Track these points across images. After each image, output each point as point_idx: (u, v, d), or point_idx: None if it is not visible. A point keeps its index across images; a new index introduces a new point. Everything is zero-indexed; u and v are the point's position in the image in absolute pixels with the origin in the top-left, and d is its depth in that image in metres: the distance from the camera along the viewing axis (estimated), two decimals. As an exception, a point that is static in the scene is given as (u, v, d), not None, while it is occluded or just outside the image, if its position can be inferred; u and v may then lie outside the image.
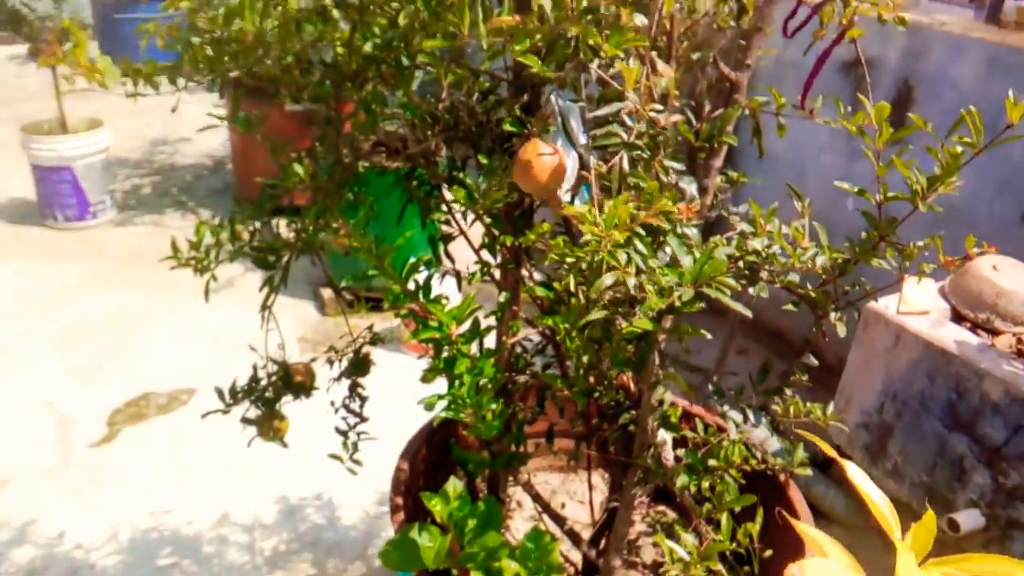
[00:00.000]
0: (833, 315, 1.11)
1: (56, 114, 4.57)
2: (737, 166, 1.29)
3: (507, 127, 1.27)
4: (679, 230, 1.08)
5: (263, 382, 1.79)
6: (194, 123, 1.75)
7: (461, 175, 1.48)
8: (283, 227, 1.65)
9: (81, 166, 4.56)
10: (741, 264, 1.05)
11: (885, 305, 2.20)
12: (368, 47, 1.27)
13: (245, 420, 1.78)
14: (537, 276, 1.60)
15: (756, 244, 1.04)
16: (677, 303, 0.93)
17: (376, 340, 1.90)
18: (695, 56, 1.27)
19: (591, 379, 1.42)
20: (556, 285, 1.33)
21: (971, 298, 2.17)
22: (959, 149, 0.97)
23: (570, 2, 0.84)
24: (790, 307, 1.15)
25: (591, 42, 0.89)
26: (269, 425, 1.79)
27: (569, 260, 1.02)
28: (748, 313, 0.92)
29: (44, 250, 4.53)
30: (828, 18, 1.17)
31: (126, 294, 4.04)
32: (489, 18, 0.95)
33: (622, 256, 0.97)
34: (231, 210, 1.61)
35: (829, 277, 1.10)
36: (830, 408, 1.33)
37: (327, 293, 4.07)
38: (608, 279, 0.97)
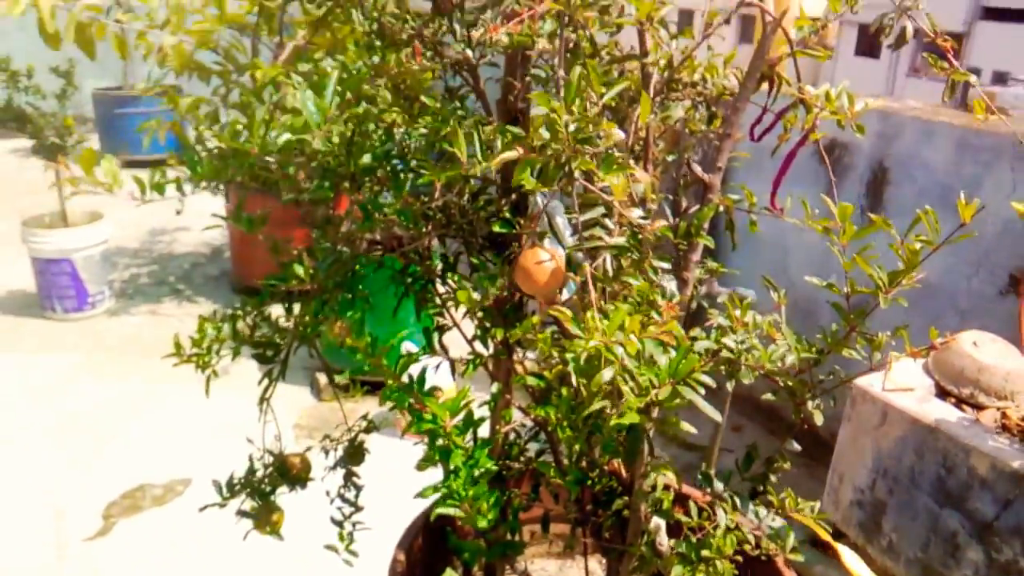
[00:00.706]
0: (810, 403, 1.16)
1: (57, 207, 4.68)
2: (722, 244, 1.36)
3: (496, 228, 1.34)
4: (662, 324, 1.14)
5: (259, 473, 1.81)
6: (193, 212, 1.83)
7: (454, 276, 1.55)
8: (280, 313, 1.71)
9: (81, 258, 4.65)
10: (719, 358, 1.11)
11: (871, 382, 2.25)
12: (366, 159, 1.35)
13: (241, 513, 1.79)
14: (530, 356, 1.66)
15: (730, 341, 1.10)
16: (655, 400, 0.98)
17: (371, 428, 1.94)
18: (670, 158, 1.36)
19: (583, 466, 1.46)
20: (547, 374, 1.38)
21: (954, 374, 2.22)
22: (918, 246, 1.04)
23: (564, 132, 0.91)
24: (770, 396, 1.21)
25: (584, 168, 0.97)
26: (266, 518, 1.81)
27: (568, 355, 1.07)
28: (718, 416, 0.97)
29: (43, 341, 4.57)
30: (791, 123, 1.26)
31: (123, 383, 4.06)
32: (485, 147, 1.03)
33: (618, 350, 1.02)
34: (231, 304, 1.67)
35: (804, 367, 1.15)
36: (818, 505, 1.36)
37: (322, 378, 4.10)
38: (607, 373, 1.02)
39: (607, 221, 1.16)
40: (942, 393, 2.24)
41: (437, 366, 1.69)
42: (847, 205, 1.11)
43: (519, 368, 1.62)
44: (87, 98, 8.32)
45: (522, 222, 1.34)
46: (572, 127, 0.92)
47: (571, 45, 1.17)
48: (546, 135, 0.93)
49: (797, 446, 1.28)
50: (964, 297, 2.79)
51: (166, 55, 4.74)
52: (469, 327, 1.67)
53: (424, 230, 1.57)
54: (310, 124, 1.31)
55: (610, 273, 1.14)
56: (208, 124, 1.60)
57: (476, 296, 1.26)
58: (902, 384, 2.23)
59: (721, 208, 1.36)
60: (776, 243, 3.49)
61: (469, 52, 1.21)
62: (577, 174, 1.13)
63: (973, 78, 1.20)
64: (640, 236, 1.19)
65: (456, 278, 1.55)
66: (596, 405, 1.07)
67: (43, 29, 4.60)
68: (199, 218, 2.55)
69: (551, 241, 1.26)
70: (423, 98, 1.28)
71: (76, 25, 4.43)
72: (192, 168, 1.59)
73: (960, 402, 2.19)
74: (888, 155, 3.01)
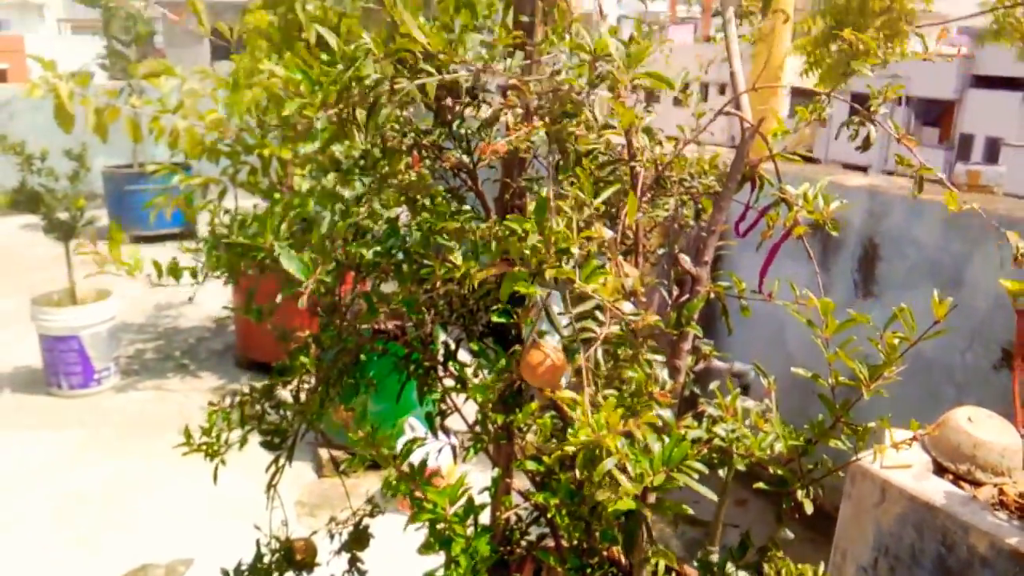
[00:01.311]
0: (800, 492, 1.20)
1: (66, 284, 4.76)
2: (719, 323, 1.41)
3: (496, 318, 1.40)
4: (654, 412, 1.19)
5: (266, 559, 1.83)
6: (199, 287, 1.89)
7: (454, 364, 1.60)
8: (287, 396, 1.75)
9: (88, 335, 4.71)
10: (711, 446, 1.15)
11: (869, 460, 2.27)
12: (370, 255, 1.42)
13: (248, 599, 1.80)
14: (530, 438, 1.69)
15: (721, 431, 1.14)
16: (650, 486, 1.02)
17: (376, 512, 1.96)
18: (661, 251, 1.42)
19: (583, 551, 1.48)
20: (546, 459, 1.42)
21: (950, 450, 2.25)
22: (896, 342, 1.09)
23: (542, 247, 0.98)
24: (761, 485, 1.24)
25: (563, 276, 1.03)
26: (271, 604, 1.82)
27: (568, 448, 1.11)
28: (714, 497, 1.01)
29: (48, 418, 4.59)
30: (774, 221, 1.32)
31: (126, 461, 4.07)
32: (481, 244, 1.10)
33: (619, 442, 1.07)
34: (235, 380, 1.71)
35: (792, 455, 1.19)
36: (821, 567, 1.38)
37: (325, 454, 4.11)
38: (610, 463, 1.06)
39: (598, 314, 1.22)
40: (939, 470, 2.26)
41: (440, 449, 1.73)
42: (828, 301, 1.16)
43: (519, 452, 1.66)
44: (96, 175, 8.52)
45: (520, 312, 1.40)
46: (547, 242, 0.99)
47: (562, 152, 1.25)
48: (526, 251, 1.00)
49: (790, 535, 1.31)
50: (959, 371, 2.83)
51: (178, 138, 4.87)
52: (470, 409, 1.71)
53: (427, 319, 1.63)
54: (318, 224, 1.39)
55: (601, 364, 1.19)
56: (220, 213, 1.67)
57: (480, 382, 1.31)
58: (900, 461, 2.24)
59: (713, 295, 1.42)
60: (772, 316, 3.55)
61: (466, 158, 1.29)
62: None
63: (938, 173, 1.27)
64: (632, 327, 1.24)
65: (457, 366, 1.60)
66: (600, 496, 1.11)
67: (59, 113, 4.75)
68: (203, 292, 2.64)
69: (547, 326, 1.32)
70: (421, 198, 1.35)
71: (93, 109, 4.56)
72: (209, 260, 1.66)
73: (958, 478, 2.21)
74: (878, 232, 3.09)
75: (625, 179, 1.33)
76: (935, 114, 30.83)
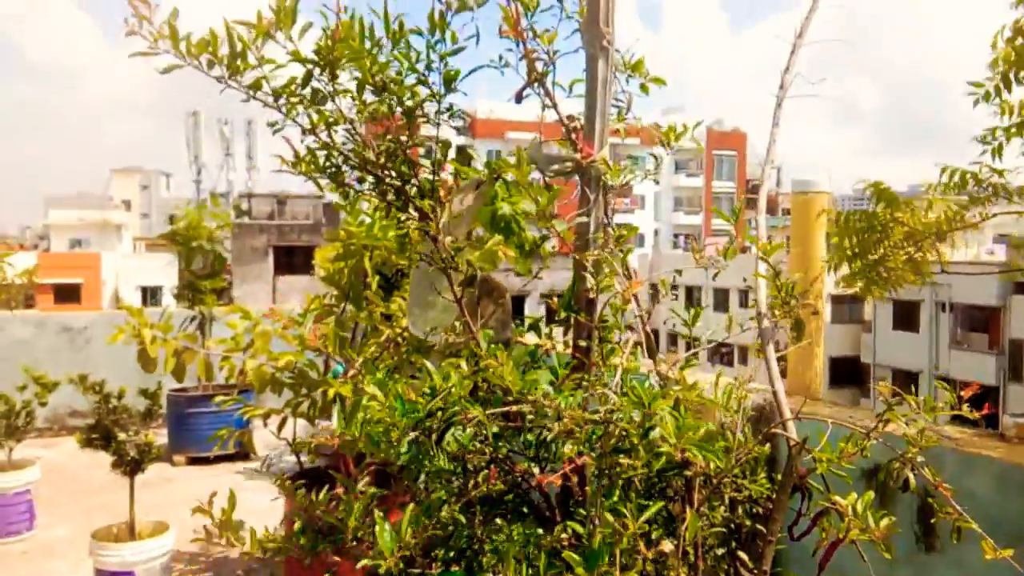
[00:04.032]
0: None
1: (126, 516, 4.86)
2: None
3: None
4: None
5: None
6: (246, 510, 1.98)
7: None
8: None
9: (143, 570, 4.73)
10: None
11: None
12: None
13: None
14: None
15: None
16: None
17: None
18: (720, 551, 1.50)
19: None
20: None
21: None
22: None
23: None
24: None
25: None
26: None
27: None
28: None
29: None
30: (828, 529, 1.40)
31: None
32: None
33: None
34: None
35: None
36: None
37: None
38: None
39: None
40: None
41: None
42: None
43: None
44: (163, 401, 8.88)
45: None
46: None
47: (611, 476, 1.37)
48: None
49: None
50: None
51: (246, 375, 5.14)
52: None
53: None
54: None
55: None
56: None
57: None
58: None
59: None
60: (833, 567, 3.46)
61: (536, 468, 1.42)
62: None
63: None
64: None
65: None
66: None
67: (142, 357, 5.08)
68: (253, 516, 2.75)
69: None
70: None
71: (172, 352, 4.87)
72: (287, 548, 1.77)
73: None
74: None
75: (677, 484, 1.44)
76: (981, 320, 30.71)
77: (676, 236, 64.24)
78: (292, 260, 31.01)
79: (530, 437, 1.40)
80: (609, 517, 1.18)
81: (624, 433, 1.21)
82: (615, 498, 1.26)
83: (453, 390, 1.28)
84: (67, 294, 37.20)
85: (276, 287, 30.82)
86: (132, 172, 69.71)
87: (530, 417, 1.27)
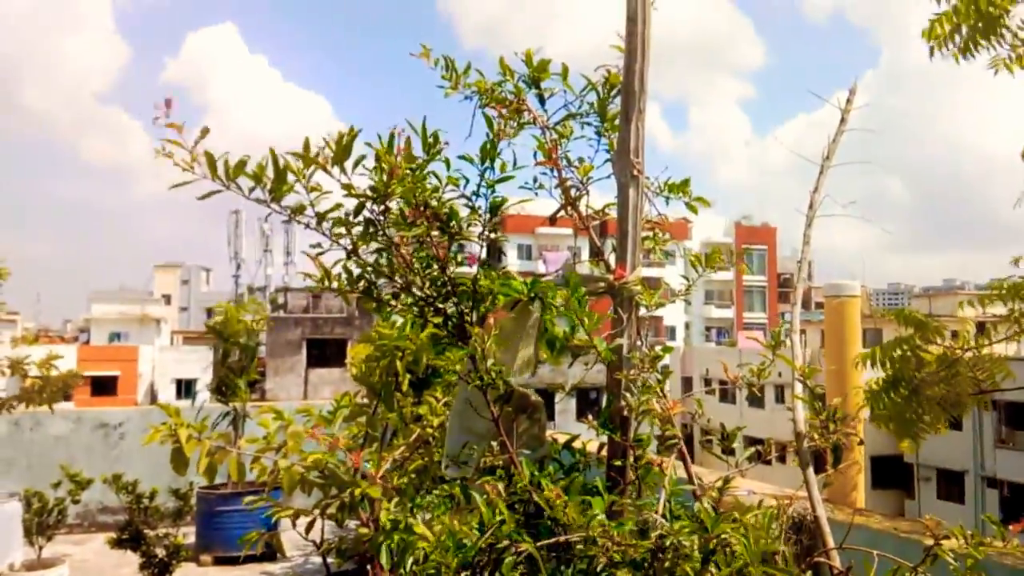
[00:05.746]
0: None
1: (152, 622, 4.79)
2: None
3: None
4: None
5: None
6: None
7: None
8: None
9: None
10: None
11: None
12: None
13: None
14: None
15: None
16: None
17: None
18: None
19: None
20: None
21: None
22: None
23: None
24: None
25: None
26: None
27: None
28: None
29: None
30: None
31: None
32: None
33: None
34: None
35: None
36: None
37: None
38: None
39: None
40: None
41: None
42: None
43: None
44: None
45: None
46: None
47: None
48: None
49: None
50: None
51: (277, 476, 5.12)
52: None
53: None
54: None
55: None
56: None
57: None
58: None
59: None
60: None
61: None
62: None
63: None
64: None
65: None
66: None
67: (175, 457, 5.12)
68: None
69: None
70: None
71: (206, 452, 4.90)
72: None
73: None
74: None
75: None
76: (1026, 418, 29.68)
77: (708, 329, 63.70)
78: (325, 352, 31.19)
79: (581, 566, 1.39)
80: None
81: (677, 558, 1.20)
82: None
83: (503, 527, 1.28)
84: (104, 386, 37.62)
85: (308, 379, 30.95)
86: (173, 267, 71.47)
87: (579, 547, 1.26)
